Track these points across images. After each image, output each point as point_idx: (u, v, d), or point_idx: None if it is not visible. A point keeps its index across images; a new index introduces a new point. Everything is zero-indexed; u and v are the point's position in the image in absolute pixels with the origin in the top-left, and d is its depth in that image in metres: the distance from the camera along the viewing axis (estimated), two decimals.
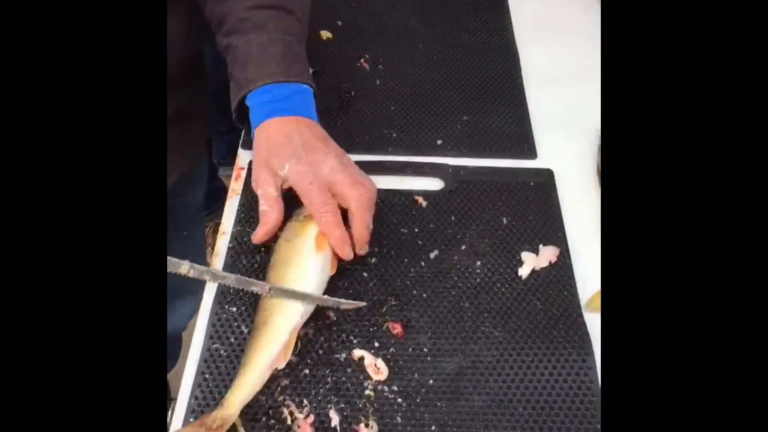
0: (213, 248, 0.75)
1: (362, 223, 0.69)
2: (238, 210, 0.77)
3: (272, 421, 0.60)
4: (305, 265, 0.68)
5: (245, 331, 0.66)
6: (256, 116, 0.75)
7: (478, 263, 0.73)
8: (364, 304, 0.68)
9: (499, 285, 0.71)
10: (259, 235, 0.71)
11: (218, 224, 0.78)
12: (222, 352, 0.65)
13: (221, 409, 0.59)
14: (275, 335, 0.63)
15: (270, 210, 0.70)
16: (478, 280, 0.72)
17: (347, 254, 0.69)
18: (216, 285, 0.70)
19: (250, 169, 0.81)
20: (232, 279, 0.66)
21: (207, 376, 0.63)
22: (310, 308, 0.66)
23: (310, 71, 0.80)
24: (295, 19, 0.80)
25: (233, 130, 0.92)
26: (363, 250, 0.71)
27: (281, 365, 0.62)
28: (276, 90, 0.74)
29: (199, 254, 1.15)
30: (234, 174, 0.82)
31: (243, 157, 0.84)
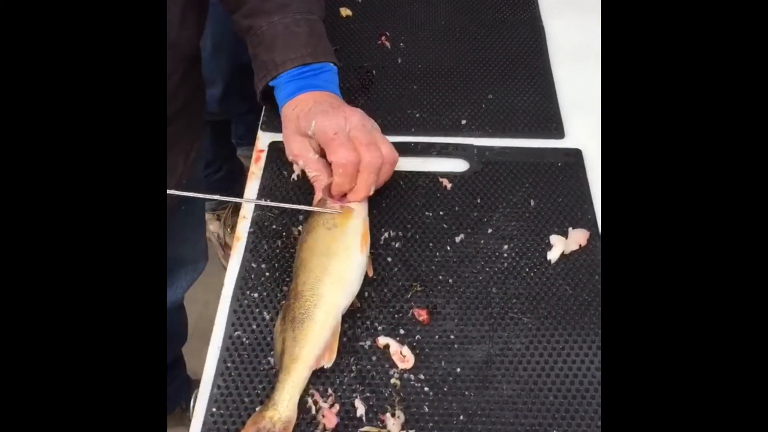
0: (232, 229, 0.74)
1: (363, 185, 0.69)
2: (258, 193, 0.76)
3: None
4: (352, 261, 0.65)
5: (267, 317, 0.65)
6: (283, 95, 0.75)
7: (506, 247, 0.71)
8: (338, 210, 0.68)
9: (527, 269, 0.69)
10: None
11: (236, 205, 0.76)
12: (244, 339, 0.63)
13: (275, 411, 0.57)
14: (320, 331, 0.61)
15: (320, 174, 0.71)
16: (506, 264, 0.70)
17: (352, 197, 0.69)
18: (236, 271, 0.68)
19: (270, 150, 0.80)
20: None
21: (229, 364, 0.62)
22: (348, 302, 0.64)
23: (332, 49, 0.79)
24: None
25: (252, 110, 0.90)
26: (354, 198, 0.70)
27: (328, 364, 0.61)
28: (303, 70, 0.75)
29: (198, 229, 1.14)
30: (254, 156, 0.80)
31: (263, 139, 0.82)
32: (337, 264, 0.64)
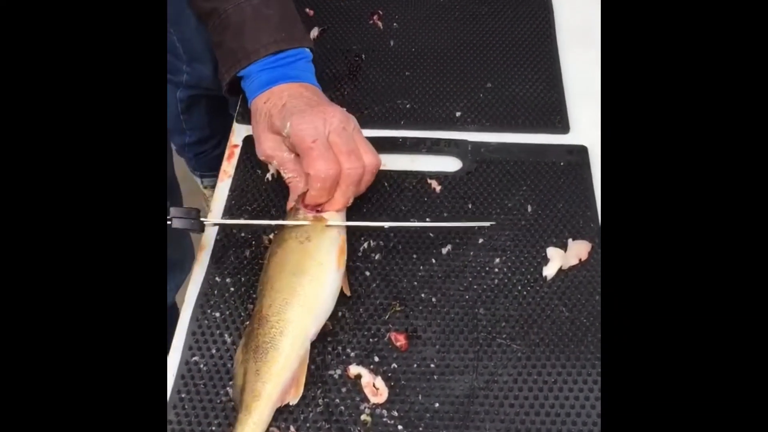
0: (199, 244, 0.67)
1: (341, 197, 0.63)
2: (228, 196, 0.69)
3: None
4: (326, 280, 0.59)
5: (229, 340, 0.59)
6: (254, 86, 0.68)
7: (497, 261, 0.64)
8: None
9: (519, 287, 0.62)
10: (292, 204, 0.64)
11: None
12: (202, 366, 0.57)
13: None
14: (286, 363, 0.55)
15: (296, 176, 0.64)
16: (496, 281, 0.63)
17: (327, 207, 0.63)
18: (198, 286, 0.62)
19: (245, 145, 0.73)
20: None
21: (184, 395, 0.56)
22: (318, 327, 0.58)
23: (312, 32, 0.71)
24: None
25: None
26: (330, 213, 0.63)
27: (294, 401, 0.55)
28: (276, 57, 0.68)
29: (180, 242, 1.08)
30: (227, 152, 0.73)
31: (238, 132, 0.75)
32: (309, 284, 0.58)
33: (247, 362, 0.55)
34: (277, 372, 0.54)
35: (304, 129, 0.61)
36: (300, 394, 0.55)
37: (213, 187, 1.72)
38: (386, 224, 0.65)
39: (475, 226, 0.63)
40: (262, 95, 0.67)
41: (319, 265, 0.59)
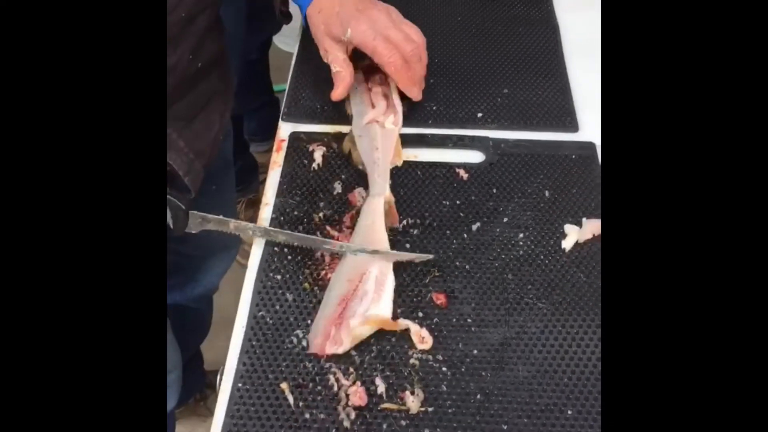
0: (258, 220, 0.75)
1: (418, 71, 0.81)
2: (280, 182, 0.78)
3: (318, 387, 0.61)
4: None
5: (290, 299, 0.67)
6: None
7: (521, 235, 0.73)
8: (431, 256, 0.70)
9: (542, 257, 0.71)
10: (337, 93, 0.81)
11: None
12: (268, 319, 0.65)
13: None
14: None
15: (342, 70, 0.80)
16: (521, 252, 0.71)
17: (416, 95, 0.83)
18: (260, 254, 0.70)
19: (291, 140, 0.82)
20: (283, 236, 0.69)
21: (254, 342, 0.64)
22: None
23: None
24: None
25: (264, 106, 0.91)
26: (419, 95, 0.83)
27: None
28: None
29: (229, 209, 1.15)
30: (276, 145, 0.82)
31: (284, 128, 0.84)
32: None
33: None
34: None
35: (364, 31, 0.77)
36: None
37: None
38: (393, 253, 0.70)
39: (416, 259, 0.70)
40: (314, 6, 0.81)
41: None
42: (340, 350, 0.62)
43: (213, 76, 0.82)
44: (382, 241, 0.70)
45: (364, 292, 0.65)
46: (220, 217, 0.69)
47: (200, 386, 1.41)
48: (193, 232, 0.69)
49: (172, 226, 0.67)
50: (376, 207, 0.72)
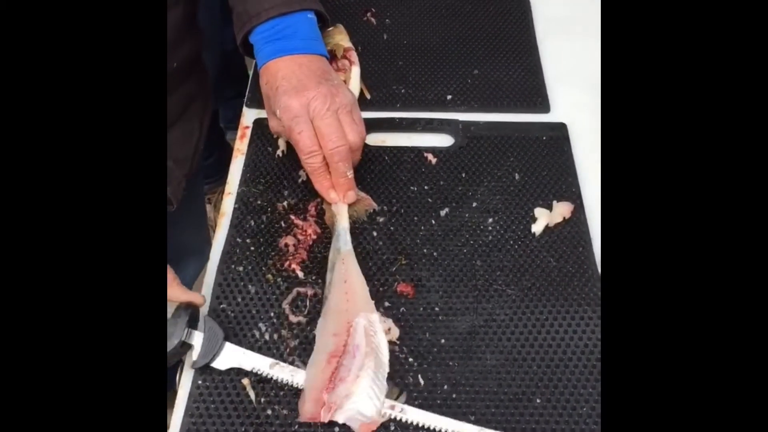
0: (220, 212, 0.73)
1: (337, 174, 0.69)
2: (243, 170, 0.76)
3: (281, 383, 0.59)
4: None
5: (252, 290, 0.65)
6: (259, 56, 0.73)
7: (490, 220, 0.71)
8: None
9: (512, 242, 0.69)
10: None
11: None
12: (229, 312, 0.63)
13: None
14: None
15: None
16: (490, 237, 0.70)
17: (332, 199, 0.70)
18: (221, 245, 0.68)
19: (255, 127, 0.80)
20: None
21: None
22: None
23: None
24: None
25: (239, 95, 0.89)
26: (348, 198, 0.70)
27: None
28: (279, 24, 0.71)
29: (201, 217, 1.13)
30: (239, 133, 0.80)
31: (248, 115, 0.82)
32: None
33: None
34: None
35: (287, 115, 0.68)
36: None
37: (204, 195, 1.78)
38: None
39: None
40: (263, 73, 0.72)
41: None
42: (340, 419, 0.56)
43: (190, 80, 0.80)
44: (362, 296, 0.63)
45: (355, 347, 0.59)
46: (245, 350, 0.60)
47: (174, 381, 1.39)
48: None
49: None
50: (348, 262, 0.66)
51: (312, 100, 0.67)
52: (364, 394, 0.56)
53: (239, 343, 0.61)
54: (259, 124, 0.80)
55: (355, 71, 0.81)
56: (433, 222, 0.71)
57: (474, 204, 0.72)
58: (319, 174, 0.69)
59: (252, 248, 0.68)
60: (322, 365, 0.59)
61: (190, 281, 1.14)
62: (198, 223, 1.10)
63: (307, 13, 0.73)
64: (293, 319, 0.63)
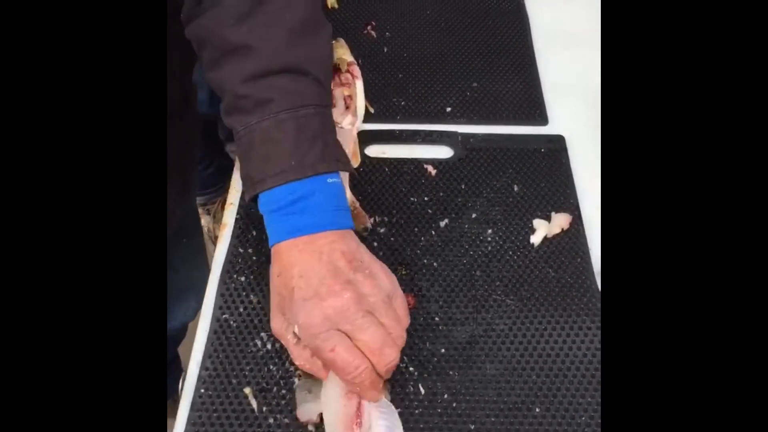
0: (221, 223, 0.74)
1: (391, 356, 0.56)
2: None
3: (283, 392, 0.60)
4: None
5: (254, 300, 0.66)
6: (269, 230, 0.61)
7: (489, 231, 0.72)
8: None
9: (510, 253, 0.70)
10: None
11: (226, 200, 0.77)
12: (231, 322, 0.64)
13: None
14: None
15: (306, 364, 0.59)
16: (490, 248, 0.71)
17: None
18: (224, 255, 0.69)
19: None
20: None
21: (217, 347, 0.62)
22: None
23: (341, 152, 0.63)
24: (311, 80, 0.62)
25: None
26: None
27: None
28: (290, 192, 0.59)
29: (201, 255, 1.14)
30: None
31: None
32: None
33: None
34: None
35: (309, 332, 0.55)
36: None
37: (203, 205, 1.79)
38: None
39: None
40: (275, 258, 0.60)
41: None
42: None
43: (183, 120, 0.78)
44: None
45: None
46: None
47: (177, 389, 1.39)
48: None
49: None
50: None
51: (343, 304, 0.55)
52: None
53: (241, 353, 0.62)
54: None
55: (359, 86, 0.82)
56: (433, 233, 0.72)
57: (473, 215, 0.73)
58: (376, 384, 0.56)
59: (254, 258, 0.69)
60: (342, 401, 0.56)
61: (194, 312, 1.14)
62: (200, 266, 1.10)
63: (327, 177, 0.60)
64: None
